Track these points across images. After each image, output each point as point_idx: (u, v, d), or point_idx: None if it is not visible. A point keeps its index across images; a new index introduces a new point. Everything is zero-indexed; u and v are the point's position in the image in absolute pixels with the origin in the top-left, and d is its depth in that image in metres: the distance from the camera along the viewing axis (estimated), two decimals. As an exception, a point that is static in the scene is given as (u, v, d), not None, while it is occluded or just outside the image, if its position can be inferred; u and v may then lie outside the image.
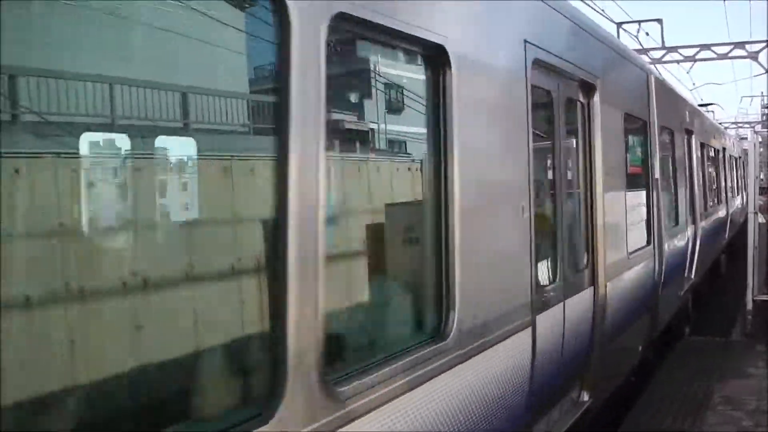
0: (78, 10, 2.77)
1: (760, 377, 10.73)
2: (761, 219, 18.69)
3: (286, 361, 2.79)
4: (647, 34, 22.58)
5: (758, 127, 46.57)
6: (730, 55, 25.64)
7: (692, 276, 13.39)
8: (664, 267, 10.05)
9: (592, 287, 6.70)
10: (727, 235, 20.57)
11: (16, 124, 2.78)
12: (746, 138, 26.65)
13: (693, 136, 14.16)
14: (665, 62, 25.54)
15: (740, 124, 52.33)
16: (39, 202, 2.87)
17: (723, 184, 20.03)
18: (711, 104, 30.39)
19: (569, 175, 6.61)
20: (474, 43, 4.45)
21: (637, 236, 8.85)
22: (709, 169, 16.90)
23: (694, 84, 45.50)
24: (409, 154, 4.99)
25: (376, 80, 4.57)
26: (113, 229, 3.38)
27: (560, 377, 5.98)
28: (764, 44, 25.48)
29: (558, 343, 5.79)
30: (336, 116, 3.81)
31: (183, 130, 3.64)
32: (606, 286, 6.85)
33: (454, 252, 3.98)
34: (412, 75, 4.42)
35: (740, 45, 25.52)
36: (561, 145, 6.18)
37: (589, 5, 18.56)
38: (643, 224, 9.22)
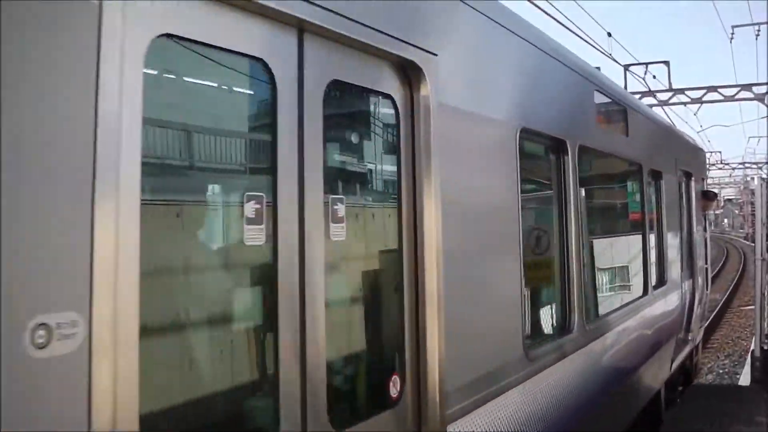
0: None
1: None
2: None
3: None
4: (654, 77, 22.80)
5: (766, 168, 46.70)
6: (737, 97, 25.90)
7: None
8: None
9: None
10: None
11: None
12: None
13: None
14: (672, 104, 25.79)
15: (748, 165, 52.47)
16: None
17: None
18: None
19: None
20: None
21: None
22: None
23: (701, 126, 45.70)
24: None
25: None
26: None
27: None
28: (771, 87, 25.73)
29: None
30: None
31: None
32: None
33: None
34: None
35: (747, 87, 25.76)
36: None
37: (596, 48, 18.85)
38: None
